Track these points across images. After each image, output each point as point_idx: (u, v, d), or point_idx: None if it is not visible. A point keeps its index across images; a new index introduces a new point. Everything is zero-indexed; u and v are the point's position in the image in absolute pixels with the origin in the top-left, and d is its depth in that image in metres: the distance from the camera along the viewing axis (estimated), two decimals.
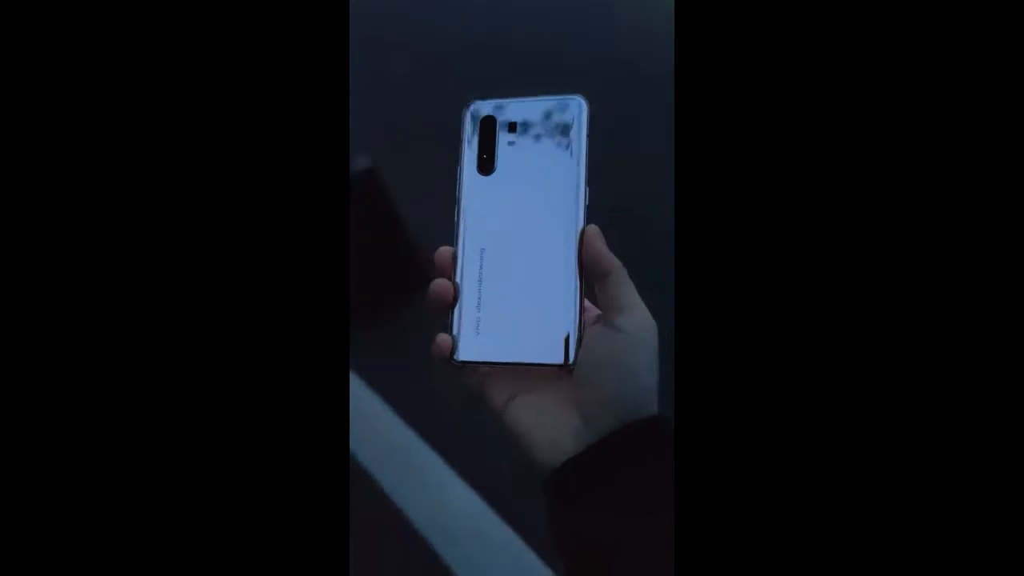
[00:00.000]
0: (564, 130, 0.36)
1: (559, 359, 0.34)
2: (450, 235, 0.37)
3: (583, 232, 0.35)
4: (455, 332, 0.35)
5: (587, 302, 0.36)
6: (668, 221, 0.33)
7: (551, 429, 0.34)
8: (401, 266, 1.41)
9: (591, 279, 0.35)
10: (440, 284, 0.35)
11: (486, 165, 0.37)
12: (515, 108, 0.37)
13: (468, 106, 0.38)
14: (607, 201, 0.39)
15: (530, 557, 1.02)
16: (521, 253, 0.36)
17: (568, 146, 0.36)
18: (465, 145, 0.37)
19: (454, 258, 0.36)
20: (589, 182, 0.36)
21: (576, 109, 0.37)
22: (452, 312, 0.35)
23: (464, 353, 0.35)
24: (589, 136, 0.36)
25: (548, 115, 0.37)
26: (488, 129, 0.37)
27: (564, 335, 0.34)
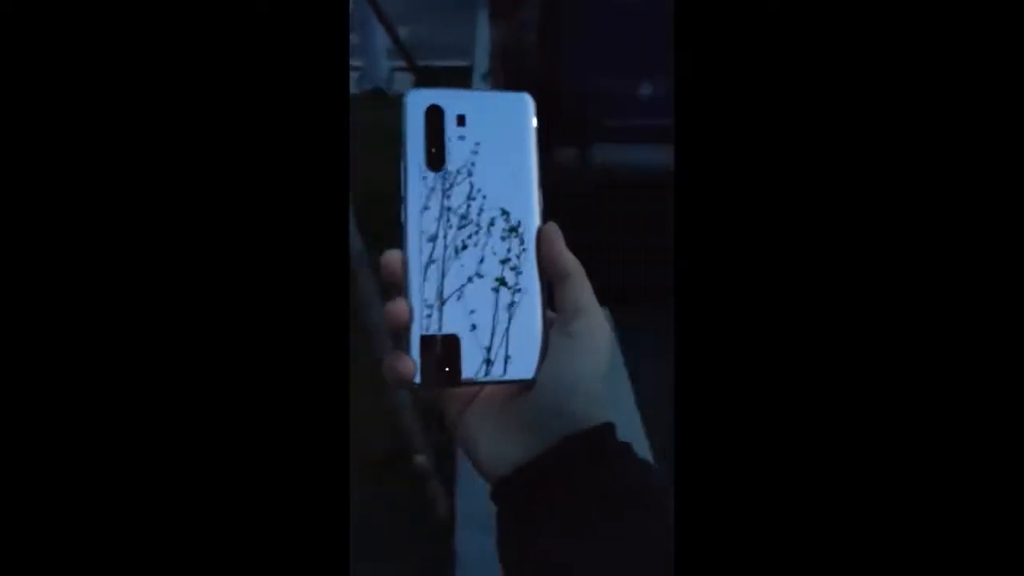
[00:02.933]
0: (515, 127, 0.34)
1: (528, 375, 0.32)
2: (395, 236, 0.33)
3: (540, 232, 0.33)
4: (414, 353, 0.32)
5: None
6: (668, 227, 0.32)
7: (498, 440, 0.32)
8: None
9: (550, 280, 0.33)
10: (395, 308, 0.32)
11: (435, 160, 0.33)
12: (462, 100, 0.34)
13: (405, 94, 0.34)
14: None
15: None
16: (477, 258, 0.33)
17: (520, 143, 0.34)
18: (408, 137, 0.34)
19: (404, 265, 0.32)
20: (541, 183, 0.34)
21: (525, 106, 0.35)
22: (408, 332, 0.32)
23: (426, 377, 0.32)
24: (537, 135, 0.35)
25: (496, 110, 0.35)
26: (435, 120, 0.34)
27: (531, 349, 0.32)
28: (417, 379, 0.31)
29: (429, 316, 0.32)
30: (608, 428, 0.32)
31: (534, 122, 0.35)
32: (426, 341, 0.32)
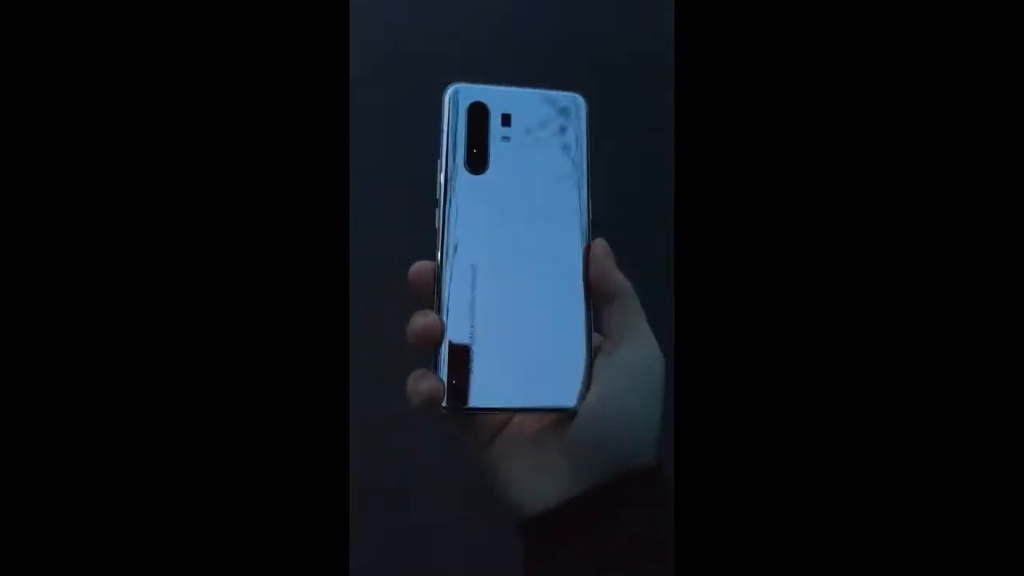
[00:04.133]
0: (564, 129, 0.31)
1: (570, 403, 0.29)
2: (429, 245, 0.30)
3: (589, 248, 0.30)
4: (442, 373, 0.28)
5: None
6: (669, 242, 0.29)
7: (534, 473, 0.29)
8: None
9: (597, 303, 0.30)
10: (423, 321, 0.28)
11: (477, 161, 0.30)
12: (507, 98, 0.31)
13: (448, 89, 0.31)
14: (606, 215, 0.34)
15: None
16: (520, 272, 0.30)
17: (569, 148, 0.31)
18: (448, 136, 0.30)
19: (436, 277, 0.29)
20: (592, 192, 0.31)
21: (577, 107, 0.32)
22: (439, 349, 0.29)
23: (456, 400, 0.28)
24: (590, 141, 0.32)
25: (546, 110, 0.31)
26: (479, 118, 0.31)
27: (575, 374, 0.29)
28: (444, 402, 0.28)
29: (461, 333, 0.29)
30: (662, 470, 0.28)
31: (585, 125, 0.32)
32: (456, 360, 0.29)
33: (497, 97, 0.31)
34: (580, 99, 0.32)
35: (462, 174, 0.30)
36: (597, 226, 0.31)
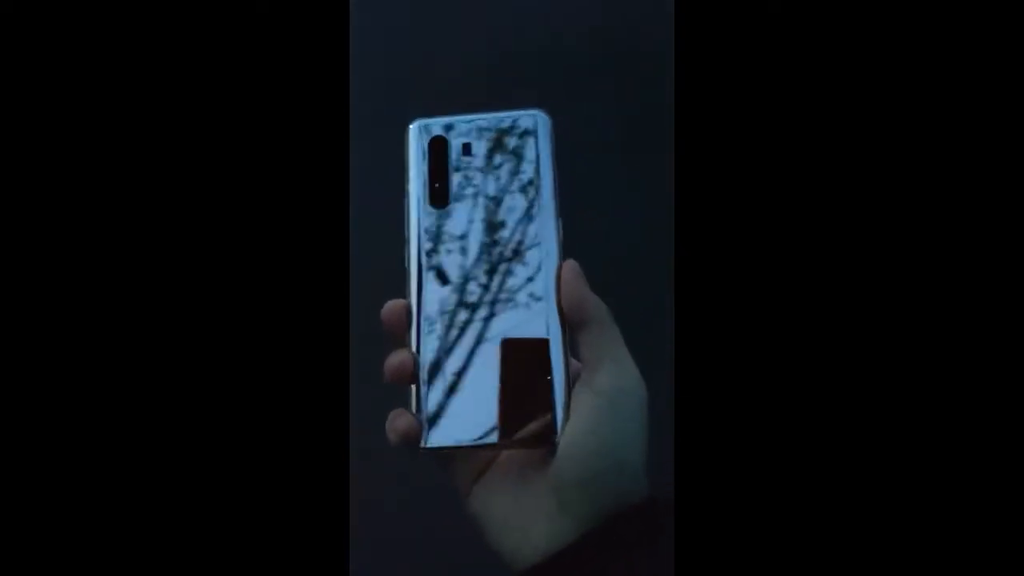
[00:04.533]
0: (527, 151, 0.31)
1: (549, 440, 0.28)
2: (399, 284, 0.30)
3: (560, 271, 0.29)
4: (418, 411, 0.29)
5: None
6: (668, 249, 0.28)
7: (522, 521, 0.27)
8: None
9: (572, 328, 0.29)
10: (396, 361, 0.28)
11: (439, 196, 0.30)
12: (467, 126, 0.31)
13: (410, 125, 0.31)
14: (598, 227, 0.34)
15: None
16: (490, 303, 0.29)
17: (534, 169, 0.30)
18: (412, 172, 0.31)
19: (408, 314, 0.29)
20: (561, 212, 0.30)
21: (538, 125, 0.31)
22: (413, 388, 0.29)
23: (434, 438, 0.28)
24: (555, 157, 0.31)
25: (506, 134, 0.31)
26: (439, 152, 0.31)
27: (550, 408, 0.28)
28: (423, 442, 0.28)
29: (434, 370, 0.29)
30: (655, 503, 0.27)
31: (549, 143, 0.31)
32: (430, 398, 0.29)
33: (457, 128, 0.31)
34: (543, 116, 0.31)
35: (426, 210, 0.30)
36: (594, 238, 0.30)
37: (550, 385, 0.28)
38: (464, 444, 0.28)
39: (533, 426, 0.28)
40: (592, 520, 0.26)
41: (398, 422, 0.28)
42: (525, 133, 0.31)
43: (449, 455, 0.29)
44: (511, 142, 0.31)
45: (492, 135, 0.31)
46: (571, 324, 0.29)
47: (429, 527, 1.12)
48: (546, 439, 0.28)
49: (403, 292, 0.30)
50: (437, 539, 1.09)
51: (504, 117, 0.31)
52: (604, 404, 0.27)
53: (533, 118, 0.31)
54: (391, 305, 0.29)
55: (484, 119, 0.31)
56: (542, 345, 0.29)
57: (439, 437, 0.28)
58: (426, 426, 0.28)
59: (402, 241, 0.31)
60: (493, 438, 0.28)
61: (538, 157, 0.30)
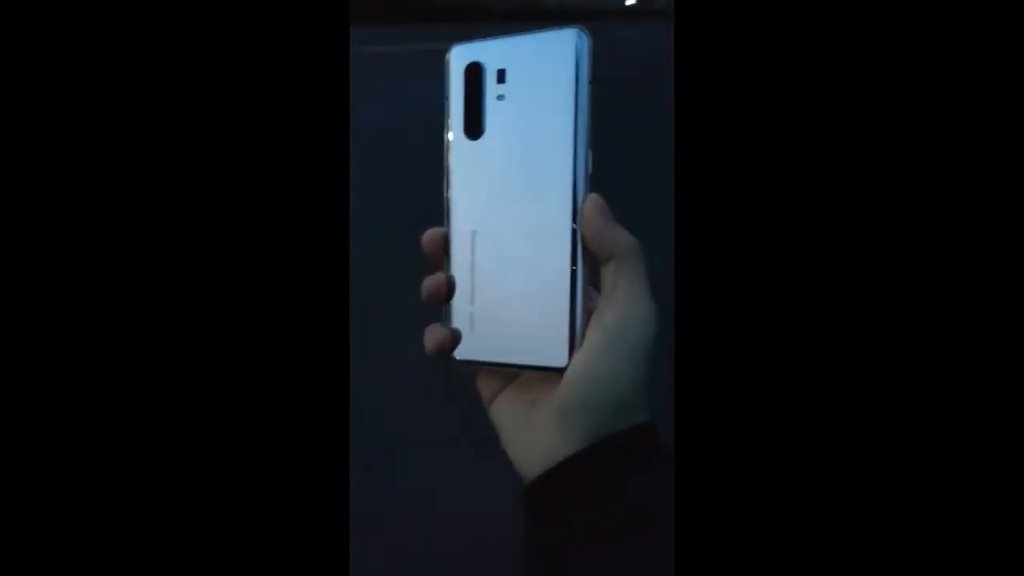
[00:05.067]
0: (562, 72, 0.29)
1: (559, 362, 0.29)
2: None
3: (583, 206, 0.29)
4: (451, 326, 0.31)
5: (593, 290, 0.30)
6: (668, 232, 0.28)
7: (528, 435, 0.30)
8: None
9: (595, 261, 0.29)
10: (433, 281, 0.31)
11: (473, 127, 0.30)
12: (503, 50, 0.30)
13: (448, 52, 0.31)
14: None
15: None
16: (516, 234, 0.30)
17: (568, 92, 0.29)
18: (449, 102, 0.31)
19: (446, 241, 0.31)
20: (594, 142, 0.29)
21: (574, 45, 0.29)
22: (448, 305, 0.32)
23: (460, 351, 0.31)
24: (592, 81, 0.29)
25: (543, 54, 0.29)
26: (474, 80, 0.30)
27: (562, 335, 0.29)
28: (454, 353, 0.31)
29: (464, 293, 0.31)
30: (640, 432, 0.28)
31: (586, 64, 0.29)
32: (460, 317, 0.31)
33: (493, 52, 0.30)
34: (580, 34, 0.29)
35: (461, 141, 0.31)
36: (610, 170, 0.29)
37: (568, 314, 0.29)
38: (487, 361, 0.31)
39: (541, 353, 0.29)
40: (588, 439, 0.28)
41: (434, 333, 0.31)
42: (562, 53, 0.29)
43: (475, 368, 0.32)
44: (548, 64, 0.29)
45: (527, 59, 0.30)
46: (596, 257, 0.29)
47: (429, 527, 1.11)
48: (558, 363, 0.29)
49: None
50: (437, 539, 1.08)
51: (542, 36, 0.29)
52: (606, 337, 0.28)
53: (572, 35, 0.29)
54: (430, 233, 0.32)
55: (522, 40, 0.30)
56: (565, 275, 0.29)
57: (467, 351, 0.31)
58: (457, 340, 0.31)
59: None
60: (513, 359, 0.30)
61: (574, 80, 0.29)
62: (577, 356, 0.29)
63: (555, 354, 0.29)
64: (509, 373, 0.32)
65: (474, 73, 0.30)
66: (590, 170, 0.29)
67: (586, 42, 0.29)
